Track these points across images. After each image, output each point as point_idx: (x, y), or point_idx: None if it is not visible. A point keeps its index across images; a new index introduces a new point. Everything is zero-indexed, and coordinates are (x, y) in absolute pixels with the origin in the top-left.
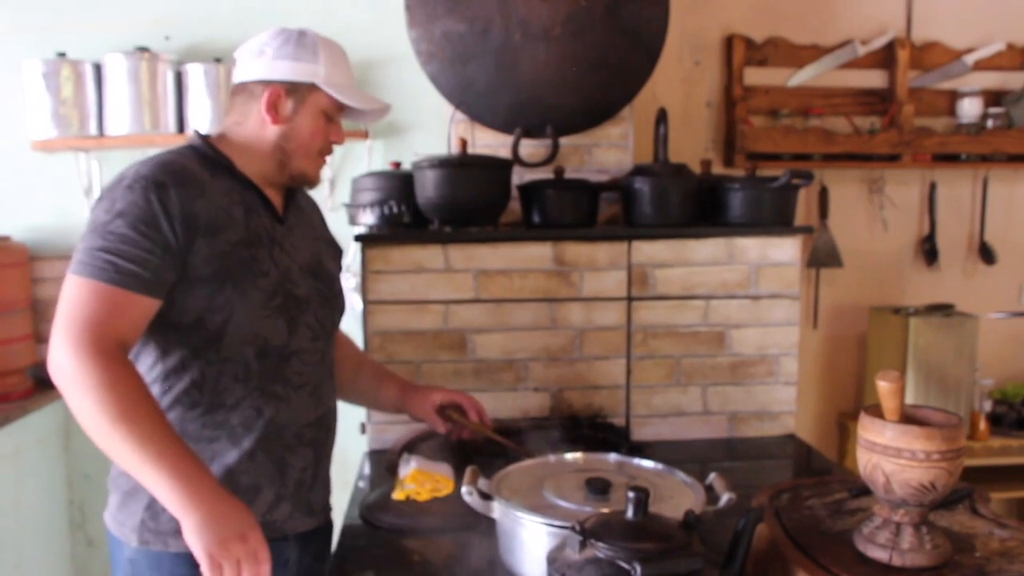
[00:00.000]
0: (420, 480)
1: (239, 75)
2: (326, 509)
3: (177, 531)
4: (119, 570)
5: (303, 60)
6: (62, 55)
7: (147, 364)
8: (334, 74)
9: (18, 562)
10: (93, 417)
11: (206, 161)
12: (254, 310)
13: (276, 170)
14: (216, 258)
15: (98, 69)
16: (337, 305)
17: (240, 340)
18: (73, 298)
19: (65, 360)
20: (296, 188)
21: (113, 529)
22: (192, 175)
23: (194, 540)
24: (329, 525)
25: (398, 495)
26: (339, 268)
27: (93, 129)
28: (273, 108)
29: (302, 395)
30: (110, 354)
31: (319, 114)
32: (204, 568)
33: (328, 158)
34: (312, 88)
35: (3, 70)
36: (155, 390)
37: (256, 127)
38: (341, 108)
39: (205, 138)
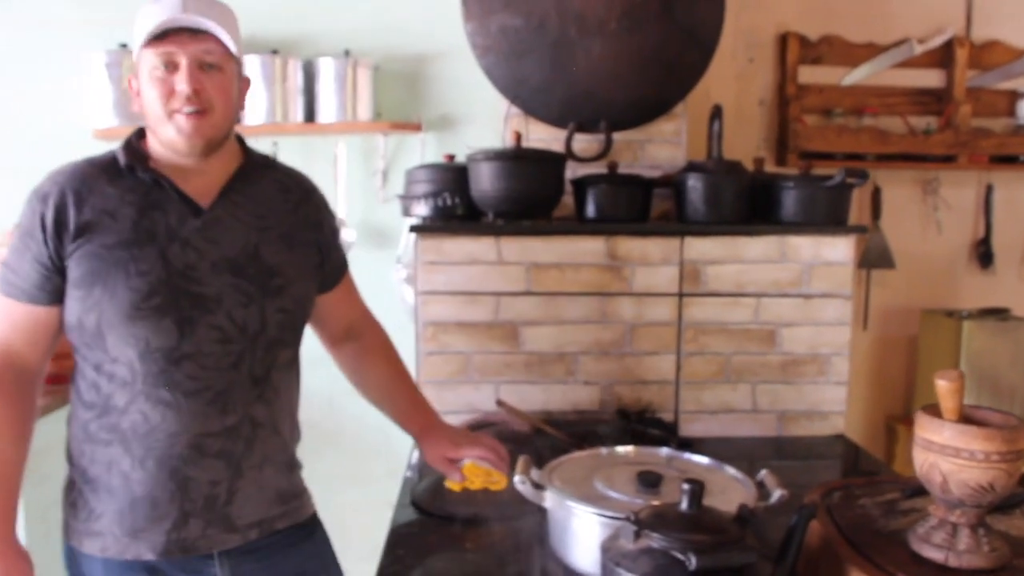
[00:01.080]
0: (475, 472)
1: None
2: (266, 523)
3: (88, 532)
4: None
5: (133, 38)
6: (124, 46)
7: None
8: (144, 26)
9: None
10: None
11: (112, 163)
12: (124, 310)
13: (167, 150)
14: (86, 260)
15: None
16: (278, 303)
17: (119, 341)
18: None
19: None
20: (251, 172)
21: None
22: (81, 180)
23: None
24: (288, 538)
25: (452, 485)
26: (307, 260)
27: None
28: (135, 97)
29: (198, 402)
30: None
31: (148, 76)
32: None
33: (382, 151)
34: (139, 57)
35: (68, 61)
36: (69, 387)
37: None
38: (171, 59)
39: (140, 133)
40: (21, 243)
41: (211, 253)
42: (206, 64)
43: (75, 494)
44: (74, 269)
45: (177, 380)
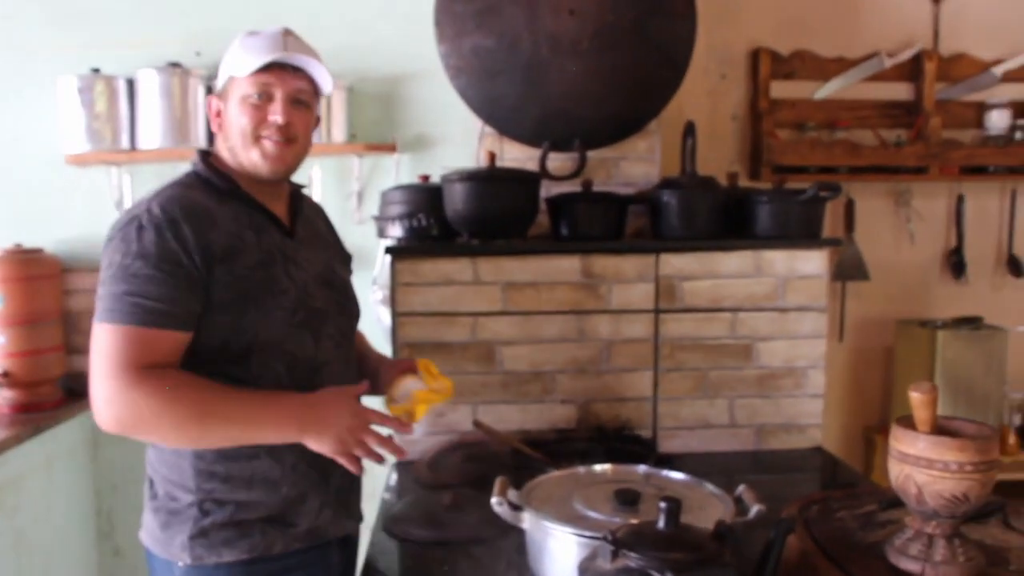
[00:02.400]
0: (419, 399)
1: None
2: (359, 511)
3: (227, 541)
4: None
5: (224, 63)
6: (96, 71)
7: None
8: (245, 58)
9: (46, 569)
10: (181, 435)
11: (211, 187)
12: (278, 328)
13: (244, 174)
14: (235, 283)
15: (131, 84)
16: (353, 312)
17: (268, 358)
18: (109, 345)
19: (123, 407)
20: (300, 198)
21: (157, 550)
22: (201, 206)
23: (321, 450)
24: (358, 529)
25: (395, 409)
26: (350, 273)
27: (125, 143)
28: (215, 117)
29: None
30: (152, 376)
31: (240, 101)
32: (346, 464)
33: (356, 172)
34: (230, 82)
35: (39, 86)
36: None
37: (219, 144)
38: (267, 90)
39: (206, 160)
40: (159, 271)
41: (311, 270)
42: (298, 100)
43: (199, 516)
44: (221, 293)
45: (318, 386)
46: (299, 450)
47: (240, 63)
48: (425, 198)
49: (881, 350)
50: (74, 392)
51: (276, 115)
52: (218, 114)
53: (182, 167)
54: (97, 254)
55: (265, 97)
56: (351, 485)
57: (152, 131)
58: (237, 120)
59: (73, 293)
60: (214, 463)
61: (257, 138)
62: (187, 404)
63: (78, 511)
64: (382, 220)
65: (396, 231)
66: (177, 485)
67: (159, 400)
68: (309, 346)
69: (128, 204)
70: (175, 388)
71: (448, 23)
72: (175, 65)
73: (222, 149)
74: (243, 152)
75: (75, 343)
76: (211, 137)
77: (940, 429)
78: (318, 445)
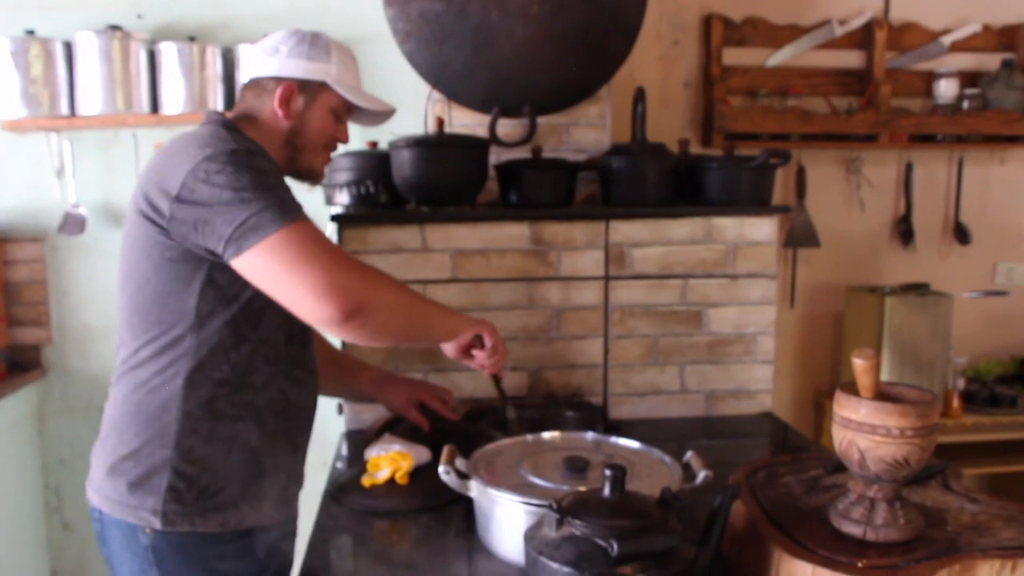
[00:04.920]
0: (378, 466)
1: (251, 71)
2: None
3: (202, 511)
4: (132, 559)
5: (316, 60)
6: (31, 33)
7: (175, 335)
8: (344, 75)
9: None
10: (397, 316)
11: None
12: None
13: (285, 164)
14: None
15: (69, 48)
16: None
17: (274, 324)
18: (308, 237)
19: (362, 288)
20: None
21: (123, 515)
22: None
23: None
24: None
25: (365, 481)
26: None
27: (64, 109)
28: (285, 103)
29: (314, 379)
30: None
31: (328, 112)
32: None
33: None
34: (323, 87)
35: None
36: (184, 364)
37: (268, 121)
38: (349, 109)
39: (232, 123)
40: (276, 177)
41: None
42: None
43: (174, 478)
44: None
45: (305, 360)
46: (281, 419)
47: (343, 78)
48: (373, 165)
49: (831, 316)
50: (17, 365)
51: (344, 136)
52: (298, 110)
53: (124, 134)
54: (37, 224)
55: (342, 116)
56: (304, 460)
57: (93, 96)
58: (322, 127)
59: (12, 264)
60: (200, 420)
61: (326, 148)
62: (396, 285)
63: (25, 486)
64: (329, 187)
65: (343, 198)
66: (154, 440)
67: (383, 281)
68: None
69: (69, 172)
70: (392, 280)
71: None
72: (115, 28)
73: (251, 128)
74: (308, 154)
75: (15, 314)
76: (155, 103)
77: (882, 395)
78: (487, 333)
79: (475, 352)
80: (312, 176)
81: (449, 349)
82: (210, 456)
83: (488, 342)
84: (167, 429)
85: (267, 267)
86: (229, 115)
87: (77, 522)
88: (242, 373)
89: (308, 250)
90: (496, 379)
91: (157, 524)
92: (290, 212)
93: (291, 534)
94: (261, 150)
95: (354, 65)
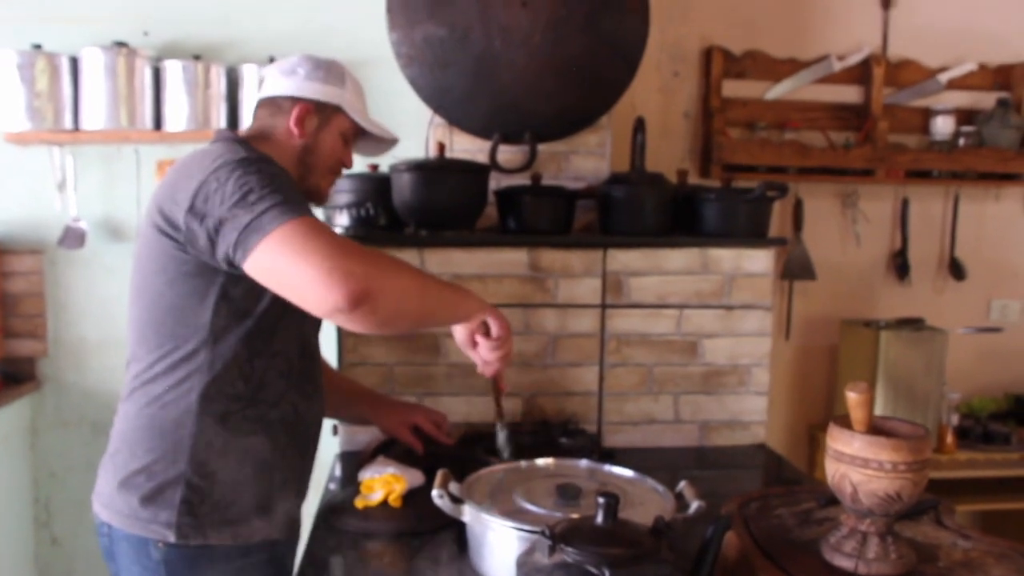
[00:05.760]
0: (371, 488)
1: (267, 90)
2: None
3: (215, 523)
4: (142, 574)
5: (331, 84)
6: (37, 47)
7: (190, 349)
8: (356, 102)
9: None
10: (409, 297)
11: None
12: (299, 310)
13: (300, 183)
14: None
15: (74, 63)
16: None
17: (288, 338)
18: (313, 229)
19: (367, 272)
20: None
21: (134, 529)
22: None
23: (497, 326)
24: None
25: (358, 503)
26: None
27: (68, 123)
28: (300, 123)
29: (321, 394)
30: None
31: (338, 135)
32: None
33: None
34: (336, 110)
35: None
36: (199, 379)
37: (282, 139)
38: (357, 134)
39: (243, 140)
40: (285, 180)
41: None
42: None
43: (188, 492)
44: None
45: (314, 375)
46: (292, 434)
47: (354, 103)
48: (373, 187)
49: (826, 349)
50: (11, 377)
51: (350, 161)
52: (312, 129)
53: (127, 149)
54: (37, 236)
55: (351, 140)
56: (308, 482)
57: (96, 112)
58: (332, 148)
59: (11, 275)
60: (215, 435)
61: (334, 171)
62: (405, 267)
63: (15, 499)
64: (329, 209)
65: (343, 220)
66: (168, 454)
67: (392, 265)
68: (314, 334)
69: (71, 185)
70: (396, 261)
71: (400, 11)
72: (121, 44)
73: (264, 145)
74: (316, 174)
75: (12, 326)
76: (158, 120)
77: (875, 429)
78: (496, 323)
79: (479, 339)
80: (318, 197)
81: (459, 334)
82: (224, 470)
83: (495, 331)
84: (181, 444)
85: (273, 263)
86: (241, 133)
87: (66, 537)
88: (256, 387)
89: (312, 241)
90: (497, 390)
91: (171, 537)
92: (294, 209)
93: (294, 550)
94: (272, 160)
95: (363, 95)
